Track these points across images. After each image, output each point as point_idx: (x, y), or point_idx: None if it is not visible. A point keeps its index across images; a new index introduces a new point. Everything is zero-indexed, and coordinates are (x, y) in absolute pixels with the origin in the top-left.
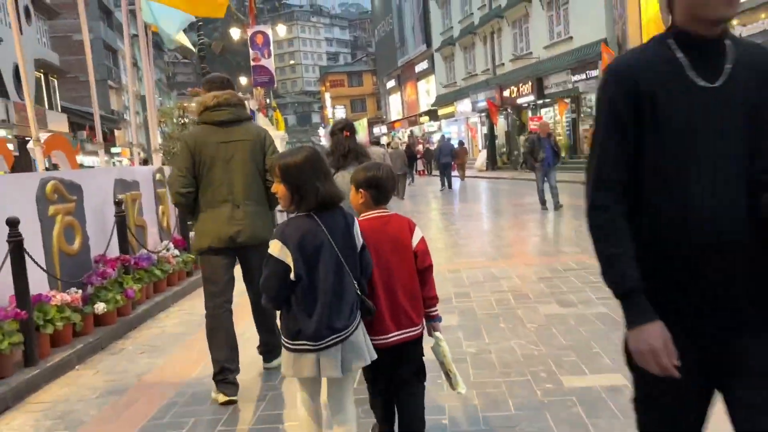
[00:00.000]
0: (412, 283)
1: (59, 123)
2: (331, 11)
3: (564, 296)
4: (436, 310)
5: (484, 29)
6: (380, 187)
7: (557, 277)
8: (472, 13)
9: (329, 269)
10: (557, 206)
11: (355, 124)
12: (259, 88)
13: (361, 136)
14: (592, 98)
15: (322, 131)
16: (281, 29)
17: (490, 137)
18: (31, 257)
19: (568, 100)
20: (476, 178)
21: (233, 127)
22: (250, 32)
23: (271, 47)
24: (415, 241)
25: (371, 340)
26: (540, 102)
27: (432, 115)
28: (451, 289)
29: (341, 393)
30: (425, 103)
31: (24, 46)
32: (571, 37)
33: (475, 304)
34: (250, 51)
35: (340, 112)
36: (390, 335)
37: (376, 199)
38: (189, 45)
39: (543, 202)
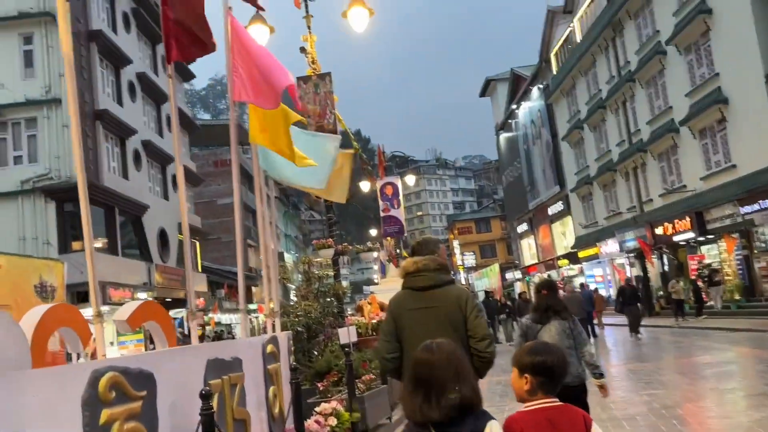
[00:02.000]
0: None
1: (199, 283)
2: (456, 164)
3: None
4: None
5: (625, 165)
6: (549, 374)
7: None
8: (610, 150)
9: None
10: None
11: (486, 270)
12: (389, 238)
13: (493, 282)
14: (766, 231)
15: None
16: (410, 179)
17: (644, 280)
18: None
19: (736, 235)
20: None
21: (433, 291)
22: (379, 184)
23: (400, 197)
24: None
25: None
26: (702, 238)
27: (571, 257)
28: None
29: None
30: (562, 245)
31: (167, 211)
32: (734, 165)
33: None
34: (380, 202)
35: (470, 259)
36: None
37: (543, 388)
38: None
39: None
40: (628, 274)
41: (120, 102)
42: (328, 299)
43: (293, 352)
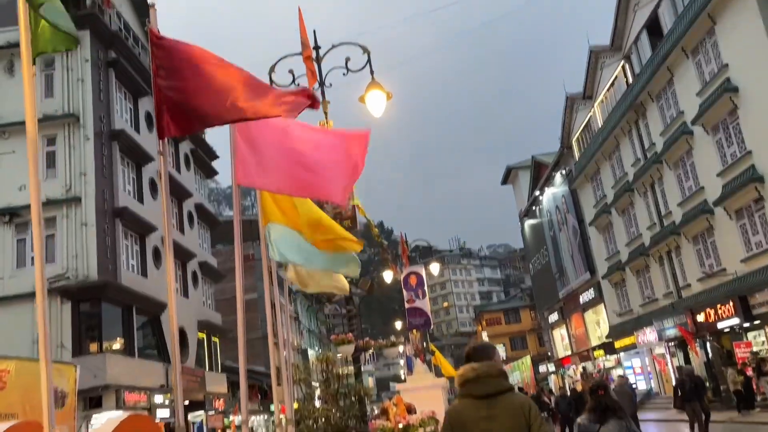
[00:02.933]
0: None
1: (218, 384)
2: (480, 253)
3: None
4: None
5: (658, 249)
6: None
7: None
8: (641, 234)
9: None
10: None
11: (517, 363)
12: (415, 331)
13: (526, 376)
14: None
15: None
16: (435, 267)
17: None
18: None
19: None
20: (675, 421)
21: (496, 399)
22: (402, 274)
23: (425, 287)
24: None
25: None
26: (747, 324)
27: (607, 348)
28: None
29: None
30: (596, 335)
31: (187, 309)
32: None
33: None
34: (404, 293)
35: (500, 352)
36: None
37: None
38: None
39: None
40: (669, 365)
41: (141, 199)
42: (351, 401)
43: None
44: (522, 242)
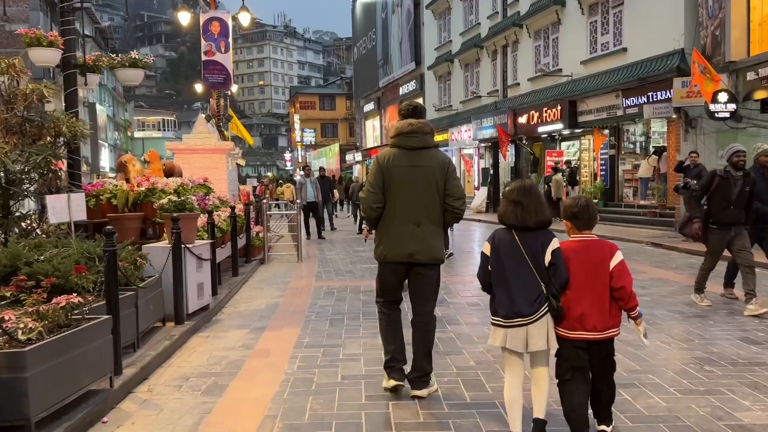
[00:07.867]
0: (602, 296)
1: None
2: (305, 36)
3: None
4: (635, 313)
5: (494, 42)
6: (577, 218)
7: None
8: (479, 23)
9: (517, 269)
10: None
11: (326, 149)
12: (214, 93)
13: (332, 162)
14: (635, 130)
15: (288, 155)
16: (245, 17)
17: (494, 173)
18: None
19: (606, 132)
20: (472, 220)
21: (423, 152)
22: (204, 18)
23: (230, 40)
24: (613, 263)
25: (563, 332)
26: (567, 132)
27: None
28: None
29: (539, 364)
30: None
31: None
32: (624, 49)
33: None
34: (202, 42)
35: (309, 136)
36: (574, 332)
37: (577, 227)
38: None
39: None
40: (475, 166)
41: None
42: (46, 140)
43: None
44: (351, 30)
